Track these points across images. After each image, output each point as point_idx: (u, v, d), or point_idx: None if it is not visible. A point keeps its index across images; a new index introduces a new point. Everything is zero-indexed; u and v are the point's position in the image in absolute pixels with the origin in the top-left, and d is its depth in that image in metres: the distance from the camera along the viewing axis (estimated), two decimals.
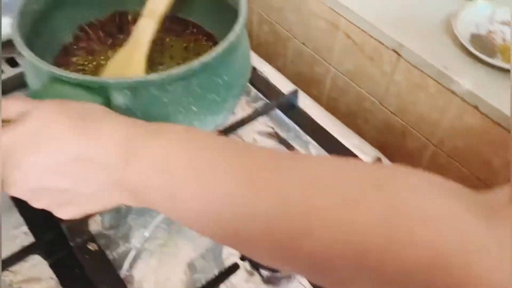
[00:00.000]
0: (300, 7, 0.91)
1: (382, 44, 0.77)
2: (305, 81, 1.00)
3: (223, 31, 0.48)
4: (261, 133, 0.63)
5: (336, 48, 0.87)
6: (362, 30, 0.79)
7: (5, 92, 0.61)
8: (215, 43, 0.61)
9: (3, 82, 0.62)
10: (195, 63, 0.43)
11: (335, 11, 0.83)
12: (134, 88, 0.43)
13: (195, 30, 0.62)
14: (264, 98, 0.66)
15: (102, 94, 0.42)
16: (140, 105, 0.44)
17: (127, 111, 0.44)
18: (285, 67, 1.04)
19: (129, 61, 0.53)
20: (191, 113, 0.47)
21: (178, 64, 0.59)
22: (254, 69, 0.67)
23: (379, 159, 0.60)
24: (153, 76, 0.42)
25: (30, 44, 0.44)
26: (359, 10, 0.79)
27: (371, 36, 0.78)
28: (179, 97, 0.45)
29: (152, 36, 0.54)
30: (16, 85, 0.61)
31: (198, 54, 0.60)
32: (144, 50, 0.53)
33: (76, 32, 0.60)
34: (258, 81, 0.67)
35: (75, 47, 0.59)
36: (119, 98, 0.43)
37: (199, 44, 0.61)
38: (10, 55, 0.66)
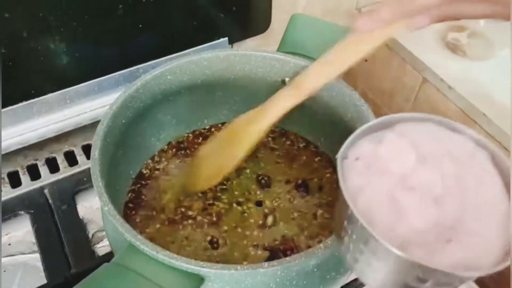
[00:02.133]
0: (418, 98, 0.78)
1: None
2: None
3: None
4: None
5: None
6: (503, 146, 0.64)
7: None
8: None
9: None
10: (320, 249, 0.32)
11: (465, 113, 0.69)
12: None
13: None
14: None
15: (194, 277, 0.32)
16: None
17: None
18: None
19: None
20: None
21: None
22: None
23: None
24: (267, 267, 0.31)
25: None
26: (498, 119, 0.65)
27: None
28: (290, 282, 0.35)
29: (285, 111, 0.42)
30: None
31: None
32: (265, 124, 0.42)
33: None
34: None
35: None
36: (215, 285, 0.33)
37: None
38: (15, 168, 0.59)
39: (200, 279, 0.33)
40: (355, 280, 0.47)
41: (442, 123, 0.36)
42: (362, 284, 0.47)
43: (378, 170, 0.32)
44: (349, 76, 0.95)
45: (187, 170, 0.49)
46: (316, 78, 0.40)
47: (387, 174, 0.32)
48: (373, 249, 0.29)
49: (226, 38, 0.65)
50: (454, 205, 0.30)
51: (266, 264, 0.31)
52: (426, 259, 0.27)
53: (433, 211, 0.29)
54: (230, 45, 0.67)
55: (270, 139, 0.53)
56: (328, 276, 0.36)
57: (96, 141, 0.39)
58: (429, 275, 0.28)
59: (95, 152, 0.38)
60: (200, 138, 0.53)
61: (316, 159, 0.51)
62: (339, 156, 0.34)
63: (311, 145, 0.52)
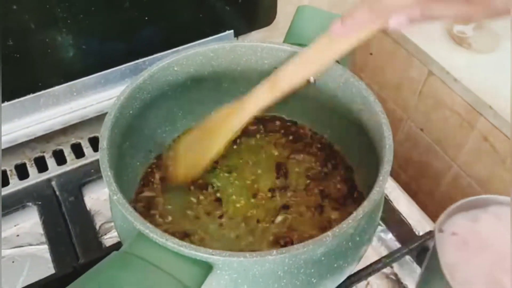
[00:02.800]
0: (424, 91, 0.78)
1: None
2: (416, 169, 0.86)
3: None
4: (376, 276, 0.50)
5: (467, 148, 0.73)
6: (509, 138, 0.64)
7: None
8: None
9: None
10: (328, 237, 0.32)
11: (471, 106, 0.69)
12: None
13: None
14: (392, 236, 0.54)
15: (203, 265, 0.32)
16: (247, 279, 0.34)
17: (230, 283, 0.34)
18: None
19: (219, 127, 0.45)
20: (308, 285, 0.36)
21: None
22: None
23: None
24: (276, 255, 0.32)
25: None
26: (504, 112, 0.65)
27: None
28: (298, 270, 0.35)
29: (260, 107, 0.42)
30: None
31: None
32: (241, 119, 0.43)
33: None
34: (389, 216, 0.55)
35: None
36: (223, 272, 0.33)
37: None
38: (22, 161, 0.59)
39: (209, 267, 0.33)
40: (363, 269, 0.47)
41: None
42: (370, 274, 0.47)
43: (477, 247, 0.34)
44: (354, 69, 0.96)
45: (168, 162, 0.49)
46: (291, 77, 0.41)
47: (486, 252, 0.33)
48: None
49: (232, 31, 0.65)
50: None
51: (274, 251, 0.32)
52: None
53: None
54: (236, 38, 0.67)
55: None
56: (335, 265, 0.37)
57: (104, 131, 0.39)
58: None
59: (103, 143, 0.38)
60: None
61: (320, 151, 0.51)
62: (436, 228, 0.34)
63: (317, 135, 0.53)
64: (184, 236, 0.43)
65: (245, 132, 0.51)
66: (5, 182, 0.56)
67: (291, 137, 0.52)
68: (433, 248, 0.33)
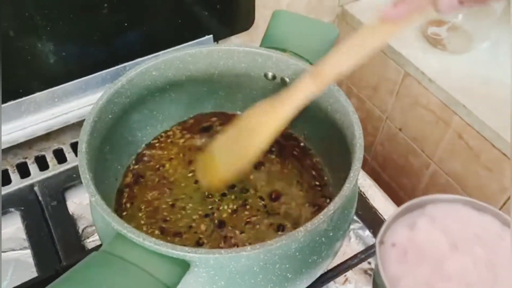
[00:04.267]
0: (401, 92, 0.80)
1: (507, 156, 0.64)
2: (396, 168, 0.88)
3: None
4: (355, 271, 0.52)
5: (442, 145, 0.75)
6: (481, 135, 0.66)
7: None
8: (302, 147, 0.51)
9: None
10: (300, 232, 0.34)
11: (446, 105, 0.71)
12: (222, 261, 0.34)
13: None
14: (369, 233, 0.55)
15: (180, 263, 0.33)
16: (224, 276, 0.35)
17: (208, 280, 0.35)
18: (371, 148, 0.92)
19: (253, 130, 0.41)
20: (284, 280, 0.37)
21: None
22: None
23: None
24: (250, 251, 0.33)
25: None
26: (477, 110, 0.67)
27: (494, 146, 0.65)
28: (273, 265, 0.36)
29: (306, 101, 0.39)
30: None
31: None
32: (284, 114, 0.39)
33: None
34: (366, 213, 0.56)
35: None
36: (201, 269, 0.34)
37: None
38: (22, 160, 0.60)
39: (186, 265, 0.34)
40: (340, 265, 0.48)
41: (468, 203, 0.38)
42: (347, 269, 0.49)
43: (415, 258, 0.35)
44: None
45: (199, 166, 0.47)
46: (336, 65, 0.37)
47: (424, 263, 0.34)
48: None
49: (211, 36, 0.66)
50: None
51: (249, 247, 0.33)
52: None
53: None
54: (215, 43, 0.68)
55: None
56: (310, 260, 0.38)
57: (83, 136, 0.40)
58: None
59: (82, 146, 0.39)
60: (185, 132, 0.54)
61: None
62: (377, 242, 0.36)
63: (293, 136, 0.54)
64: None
65: None
66: None
67: None
68: (376, 262, 0.35)
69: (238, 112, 0.55)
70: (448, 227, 0.36)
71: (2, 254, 0.53)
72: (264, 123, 0.40)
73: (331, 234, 0.39)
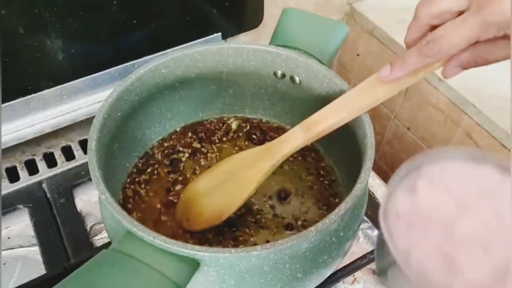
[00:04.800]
0: (409, 91, 0.79)
1: None
2: None
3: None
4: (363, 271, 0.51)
5: (451, 145, 0.75)
6: (491, 134, 0.66)
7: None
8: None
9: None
10: (311, 232, 0.33)
11: (455, 104, 0.71)
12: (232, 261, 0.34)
13: None
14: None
15: (190, 261, 0.33)
16: (234, 275, 0.35)
17: (217, 279, 0.35)
18: (379, 147, 0.92)
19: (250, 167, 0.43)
20: (294, 280, 0.37)
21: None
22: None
23: None
24: (261, 250, 0.32)
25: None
26: (486, 109, 0.66)
27: (503, 146, 0.65)
28: (283, 265, 0.36)
29: (293, 151, 0.41)
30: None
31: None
32: (269, 164, 0.41)
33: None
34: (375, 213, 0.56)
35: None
36: (210, 268, 0.34)
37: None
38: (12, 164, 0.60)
39: (196, 263, 0.34)
40: (349, 265, 0.48)
41: (462, 156, 0.36)
42: (356, 269, 0.49)
43: (421, 227, 0.33)
44: (342, 70, 0.97)
45: (180, 206, 0.46)
46: (327, 120, 0.39)
47: (431, 229, 0.32)
48: None
49: (220, 33, 0.66)
50: (503, 248, 0.30)
51: (259, 247, 0.32)
52: None
53: (485, 259, 0.30)
54: (224, 40, 0.68)
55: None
56: (320, 260, 0.38)
57: (92, 133, 0.40)
58: None
59: (92, 144, 0.39)
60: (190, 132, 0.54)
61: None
62: (380, 216, 0.34)
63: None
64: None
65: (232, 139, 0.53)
66: None
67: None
68: (382, 237, 0.32)
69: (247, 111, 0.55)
70: (449, 186, 0.34)
71: (11, 251, 0.53)
72: (251, 170, 0.42)
73: (341, 234, 0.39)
